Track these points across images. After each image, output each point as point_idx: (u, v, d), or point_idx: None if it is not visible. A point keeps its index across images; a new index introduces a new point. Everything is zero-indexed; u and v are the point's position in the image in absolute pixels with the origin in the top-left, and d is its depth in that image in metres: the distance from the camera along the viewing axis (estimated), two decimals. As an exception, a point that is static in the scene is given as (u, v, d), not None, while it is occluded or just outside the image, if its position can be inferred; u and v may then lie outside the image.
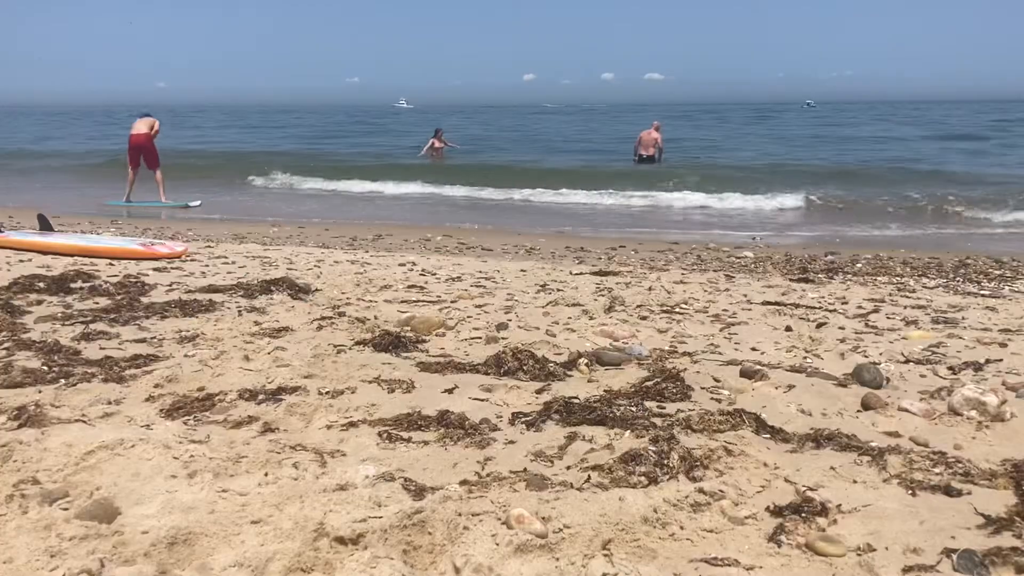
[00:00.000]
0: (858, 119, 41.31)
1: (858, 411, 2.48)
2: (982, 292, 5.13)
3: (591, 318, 3.82)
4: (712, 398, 2.58)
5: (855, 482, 1.93)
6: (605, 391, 2.62)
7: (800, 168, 15.97)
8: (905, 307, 4.33)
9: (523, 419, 2.35)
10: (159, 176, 11.90)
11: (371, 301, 4.15)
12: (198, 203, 12.11)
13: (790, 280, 5.52)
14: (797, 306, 4.26)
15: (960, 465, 2.01)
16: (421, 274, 5.21)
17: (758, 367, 2.85)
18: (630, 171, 15.56)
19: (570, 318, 3.82)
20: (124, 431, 2.13)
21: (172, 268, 5.12)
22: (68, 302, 3.91)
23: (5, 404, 2.38)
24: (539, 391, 2.63)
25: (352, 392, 2.59)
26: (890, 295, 4.80)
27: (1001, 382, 2.74)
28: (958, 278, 5.91)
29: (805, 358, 3.12)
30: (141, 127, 11.78)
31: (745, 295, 4.63)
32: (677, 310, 4.06)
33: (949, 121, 37.13)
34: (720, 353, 3.20)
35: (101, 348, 3.11)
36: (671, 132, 22.17)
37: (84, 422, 2.22)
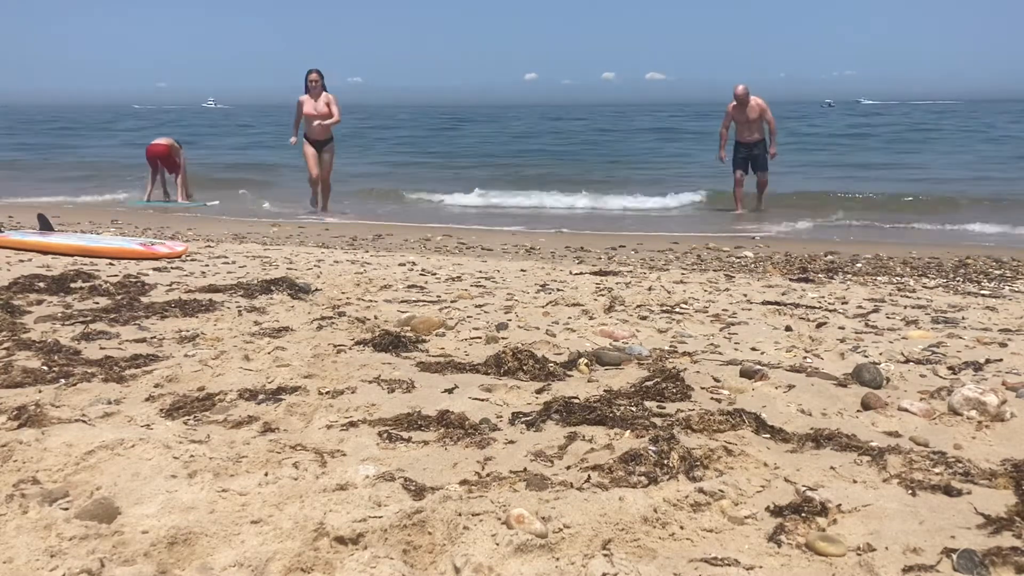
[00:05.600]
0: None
1: (858, 411, 2.48)
2: (982, 292, 5.13)
3: (591, 318, 3.82)
4: (712, 398, 2.58)
5: (855, 482, 1.93)
6: (605, 391, 2.62)
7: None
8: (905, 307, 4.33)
9: (523, 419, 2.35)
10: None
11: (371, 301, 4.15)
12: (216, 202, 12.56)
13: (790, 280, 5.52)
14: (797, 306, 4.26)
15: (960, 465, 2.01)
16: (421, 274, 5.21)
17: (758, 367, 2.85)
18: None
19: (570, 318, 3.82)
20: (124, 431, 2.14)
21: (172, 268, 5.12)
22: (68, 302, 3.91)
23: (5, 404, 2.38)
24: (539, 391, 2.63)
25: (352, 392, 2.59)
26: (890, 295, 4.80)
27: (1001, 382, 2.73)
28: (958, 278, 5.91)
29: (805, 358, 3.12)
30: (160, 140, 12.47)
31: (745, 295, 4.63)
32: (677, 310, 4.06)
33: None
34: (720, 353, 3.20)
35: (101, 348, 3.11)
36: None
37: (84, 422, 2.22)
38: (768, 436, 2.22)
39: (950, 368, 2.96)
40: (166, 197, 12.59)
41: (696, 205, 12.30)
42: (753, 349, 3.28)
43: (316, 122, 10.31)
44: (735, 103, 10.97)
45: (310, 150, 10.55)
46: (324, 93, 10.37)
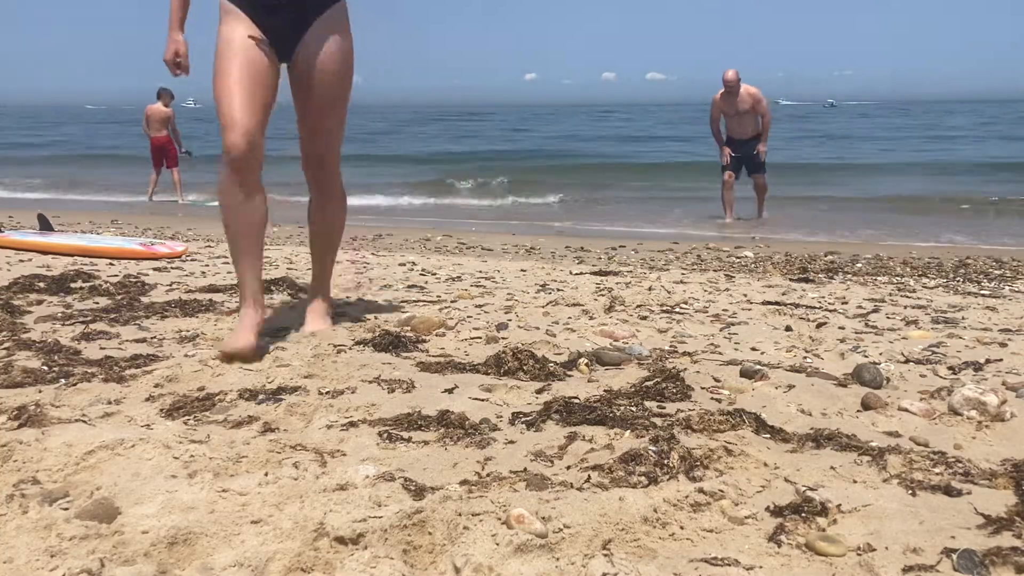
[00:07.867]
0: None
1: (858, 411, 2.48)
2: (982, 292, 5.13)
3: (591, 318, 3.82)
4: (712, 398, 2.58)
5: (855, 482, 1.93)
6: (605, 391, 2.62)
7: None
8: (905, 307, 4.33)
9: (523, 419, 2.34)
10: (176, 176, 12.55)
11: (371, 301, 4.15)
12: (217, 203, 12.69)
13: (790, 280, 5.52)
14: (797, 306, 4.26)
15: (960, 465, 2.01)
16: (421, 274, 5.21)
17: (758, 367, 2.85)
18: None
19: (570, 318, 3.82)
20: (124, 431, 2.13)
21: (172, 268, 5.12)
22: (68, 302, 3.91)
23: (5, 404, 2.38)
24: (539, 391, 2.63)
25: (352, 392, 2.59)
26: (890, 295, 4.80)
27: (1001, 382, 2.73)
28: (958, 278, 5.91)
29: (805, 358, 3.12)
30: (160, 127, 12.58)
31: (745, 295, 4.63)
32: (677, 310, 4.06)
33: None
34: (720, 353, 3.20)
35: (101, 348, 3.11)
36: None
37: (84, 422, 2.22)
38: (768, 436, 2.21)
39: (950, 368, 2.96)
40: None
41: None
42: (753, 349, 3.28)
43: None
44: (722, 91, 9.82)
45: (244, 45, 2.97)
46: None
